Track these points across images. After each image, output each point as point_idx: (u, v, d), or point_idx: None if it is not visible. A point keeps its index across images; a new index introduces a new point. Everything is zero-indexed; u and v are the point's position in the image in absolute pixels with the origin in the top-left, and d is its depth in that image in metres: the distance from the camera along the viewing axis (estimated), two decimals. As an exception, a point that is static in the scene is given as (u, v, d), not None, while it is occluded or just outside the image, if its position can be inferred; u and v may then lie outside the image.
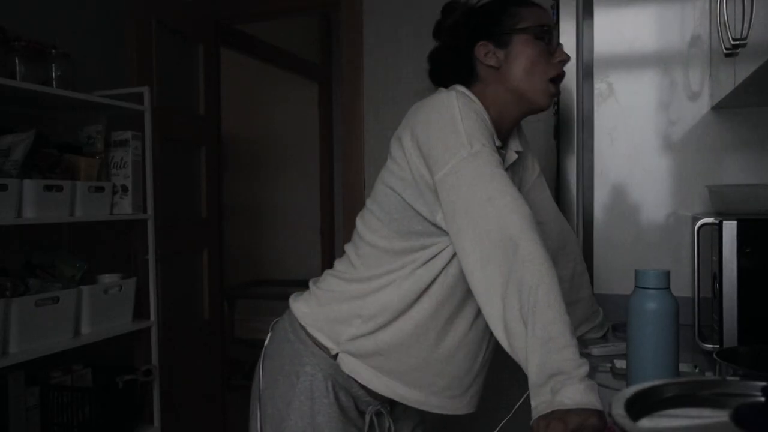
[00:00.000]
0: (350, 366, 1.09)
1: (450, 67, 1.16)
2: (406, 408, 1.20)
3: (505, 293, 0.88)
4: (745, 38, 1.09)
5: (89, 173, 2.05)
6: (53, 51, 1.96)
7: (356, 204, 2.58)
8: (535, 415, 0.82)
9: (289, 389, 1.11)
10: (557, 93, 1.14)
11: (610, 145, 1.63)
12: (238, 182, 4.58)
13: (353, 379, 1.10)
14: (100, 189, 2.06)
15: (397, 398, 1.10)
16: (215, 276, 2.99)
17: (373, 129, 2.53)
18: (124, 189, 2.15)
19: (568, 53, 1.13)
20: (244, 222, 4.63)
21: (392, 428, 1.19)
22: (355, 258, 1.13)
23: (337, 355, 1.09)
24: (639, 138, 1.61)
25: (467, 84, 1.14)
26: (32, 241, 2.05)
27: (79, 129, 2.14)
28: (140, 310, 2.25)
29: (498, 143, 1.07)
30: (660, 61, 1.59)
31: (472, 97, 1.08)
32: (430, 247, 1.05)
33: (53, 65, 1.96)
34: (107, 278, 2.16)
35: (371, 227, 1.11)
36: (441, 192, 0.98)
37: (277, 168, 4.65)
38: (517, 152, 1.19)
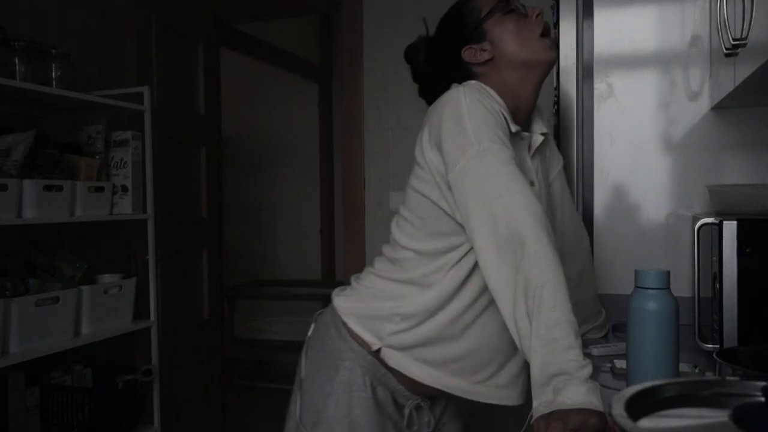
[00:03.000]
0: (395, 359, 1.11)
1: (448, 84, 1.15)
2: (448, 404, 1.23)
3: (515, 292, 0.89)
4: (745, 38, 1.09)
5: (89, 173, 2.05)
6: (53, 51, 1.96)
7: (356, 204, 2.58)
8: (536, 414, 0.82)
9: (327, 381, 1.13)
10: (553, 42, 1.16)
11: (610, 145, 1.63)
12: (238, 182, 4.57)
13: (393, 373, 1.12)
14: (100, 189, 2.06)
15: (442, 387, 1.12)
16: (215, 276, 2.99)
17: (373, 129, 2.53)
18: (124, 189, 2.15)
19: (536, 6, 1.16)
20: (244, 222, 4.63)
21: (432, 422, 1.21)
22: (393, 260, 1.16)
23: (379, 350, 1.12)
24: (639, 138, 1.61)
25: (470, 76, 1.15)
26: (32, 241, 2.05)
27: (79, 129, 2.14)
28: (140, 310, 2.25)
29: (515, 129, 1.09)
30: (660, 61, 1.59)
31: (485, 88, 1.09)
32: (459, 246, 1.07)
33: (53, 65, 1.96)
34: (107, 278, 2.16)
35: (406, 232, 1.14)
36: (454, 191, 1.00)
37: (277, 168, 4.65)
38: (543, 134, 1.20)
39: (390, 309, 1.12)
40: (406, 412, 1.16)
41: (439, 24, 1.21)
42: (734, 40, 1.12)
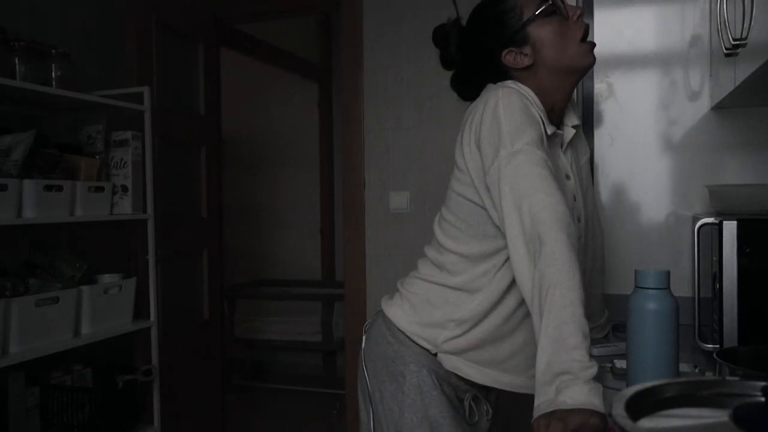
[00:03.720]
0: (451, 363, 1.14)
1: (483, 82, 1.16)
2: (500, 392, 1.25)
3: (532, 291, 0.92)
4: (745, 38, 1.09)
5: (89, 173, 2.05)
6: (53, 51, 1.96)
7: (356, 204, 2.58)
8: (536, 413, 0.82)
9: (397, 389, 1.15)
10: (593, 46, 1.15)
11: (610, 145, 1.63)
12: (238, 182, 4.57)
13: (454, 372, 1.15)
14: (100, 189, 2.06)
15: (500, 386, 1.15)
16: (215, 276, 2.99)
17: (373, 129, 2.53)
18: (124, 189, 2.15)
19: (578, 6, 1.15)
20: (244, 222, 4.62)
21: (490, 411, 1.24)
22: (439, 263, 1.18)
23: (436, 354, 1.14)
24: (639, 138, 1.61)
25: (510, 77, 1.15)
26: (32, 241, 2.05)
27: (79, 129, 2.14)
28: (140, 310, 2.25)
29: (551, 130, 1.10)
30: (660, 61, 1.59)
31: (521, 87, 1.10)
32: (503, 249, 1.08)
33: (53, 65, 1.96)
34: (107, 278, 2.16)
35: (449, 234, 1.16)
36: (491, 191, 1.03)
37: (277, 168, 4.64)
38: (574, 127, 1.21)
39: (443, 316, 1.14)
40: (466, 404, 1.19)
41: (475, 17, 1.19)
42: (734, 40, 1.12)
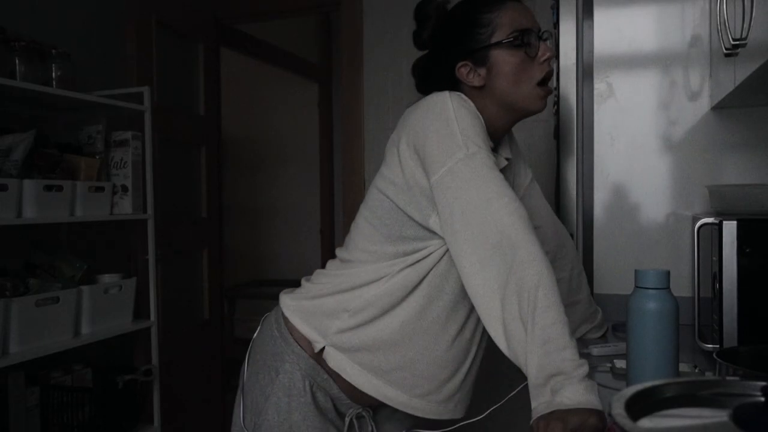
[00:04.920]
0: (336, 361, 1.08)
1: (435, 82, 1.13)
2: (392, 415, 1.19)
3: (504, 295, 0.88)
4: (745, 38, 1.09)
5: (89, 173, 2.05)
6: (53, 51, 1.96)
7: (356, 204, 2.56)
8: (534, 415, 0.82)
9: (268, 384, 1.11)
10: (549, 93, 1.11)
11: (610, 145, 1.63)
12: (238, 182, 4.58)
13: (334, 378, 1.10)
14: (100, 189, 2.06)
15: (380, 398, 1.09)
16: (215, 276, 2.99)
17: (373, 129, 2.53)
18: (124, 189, 2.15)
19: (550, 48, 1.09)
20: (244, 222, 4.63)
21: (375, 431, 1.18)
22: (345, 259, 1.14)
23: (322, 350, 1.09)
24: (639, 138, 1.61)
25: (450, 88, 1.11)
26: (32, 241, 2.05)
27: (79, 129, 2.14)
28: (140, 310, 2.25)
29: (491, 145, 1.06)
30: (660, 61, 1.59)
31: (467, 101, 1.06)
32: (420, 250, 1.05)
33: (53, 65, 1.96)
34: (107, 278, 2.16)
35: (363, 232, 1.11)
36: (437, 194, 0.98)
37: (277, 168, 4.65)
38: (507, 159, 1.17)
39: (337, 304, 1.09)
40: (347, 420, 1.13)
41: (452, 14, 1.14)
42: (734, 40, 1.12)
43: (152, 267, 2.24)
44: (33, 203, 1.80)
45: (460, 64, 1.10)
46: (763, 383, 0.60)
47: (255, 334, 1.22)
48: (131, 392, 2.10)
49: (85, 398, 1.96)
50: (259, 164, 4.68)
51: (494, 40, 1.07)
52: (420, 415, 1.10)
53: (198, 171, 2.90)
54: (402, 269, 1.06)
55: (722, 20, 1.19)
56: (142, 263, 2.28)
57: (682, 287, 1.48)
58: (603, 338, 1.45)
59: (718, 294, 1.20)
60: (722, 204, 1.35)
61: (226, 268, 3.33)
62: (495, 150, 1.14)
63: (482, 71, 1.09)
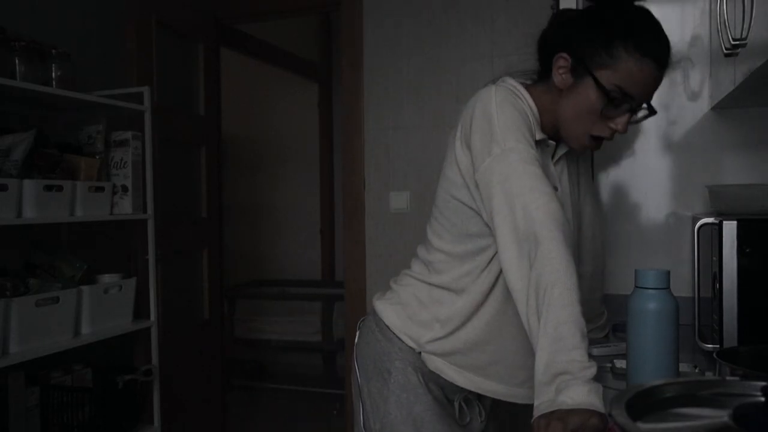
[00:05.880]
0: (434, 364, 1.14)
1: (541, 53, 1.14)
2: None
3: (527, 290, 0.90)
4: (745, 38, 1.09)
5: (89, 173, 2.05)
6: (53, 51, 1.96)
7: (356, 204, 2.58)
8: (536, 413, 0.82)
9: (383, 385, 1.16)
10: (594, 147, 1.11)
11: (611, 145, 1.63)
12: (238, 182, 4.57)
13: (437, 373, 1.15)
14: (100, 189, 2.06)
15: (482, 392, 1.15)
16: (215, 276, 2.99)
17: (373, 129, 2.53)
18: (124, 189, 2.15)
19: (628, 125, 1.07)
20: (244, 222, 4.62)
21: (483, 413, 1.23)
22: (427, 262, 1.18)
23: (420, 353, 1.15)
24: (639, 138, 1.61)
25: (543, 79, 1.13)
26: (32, 241, 2.05)
27: (79, 129, 2.14)
28: (140, 310, 2.25)
29: (540, 137, 1.08)
30: (660, 61, 1.58)
31: (519, 90, 1.08)
32: (487, 249, 1.09)
33: (53, 65, 1.96)
34: (107, 278, 2.16)
35: (436, 232, 1.16)
36: (480, 189, 1.01)
37: (277, 168, 4.64)
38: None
39: (429, 315, 1.15)
40: (456, 405, 1.18)
41: (606, 15, 1.06)
42: (734, 40, 1.12)
43: (152, 267, 2.24)
44: (33, 203, 1.79)
45: (561, 54, 1.06)
46: (763, 383, 0.60)
47: (356, 339, 1.26)
48: (131, 392, 2.10)
49: (85, 398, 1.96)
50: (259, 164, 4.67)
51: (599, 73, 1.03)
52: (521, 402, 1.15)
53: (198, 171, 2.90)
54: (479, 274, 1.10)
55: (722, 20, 1.18)
56: (142, 263, 2.28)
57: (682, 287, 1.48)
58: (604, 338, 1.45)
59: (718, 294, 1.20)
60: (722, 204, 1.35)
61: (226, 268, 3.32)
62: (558, 137, 1.13)
63: (569, 79, 1.07)
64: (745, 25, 1.07)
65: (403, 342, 1.16)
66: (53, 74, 1.96)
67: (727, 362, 0.96)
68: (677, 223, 1.58)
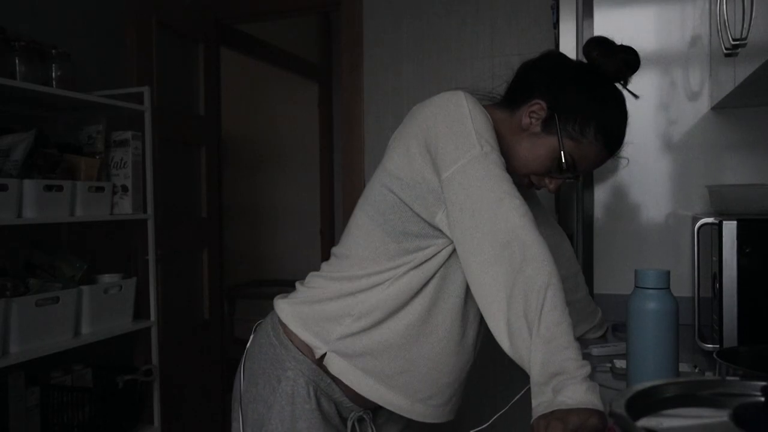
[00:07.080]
0: (338, 367, 1.07)
1: (516, 83, 1.14)
2: (390, 416, 1.18)
3: (510, 293, 0.88)
4: (745, 38, 1.09)
5: (89, 173, 2.05)
6: (53, 51, 1.96)
7: (356, 204, 2.58)
8: (535, 414, 0.82)
9: (270, 393, 1.08)
10: (525, 185, 1.12)
11: (610, 145, 1.63)
12: (238, 182, 4.58)
13: (337, 383, 1.08)
14: (100, 189, 2.06)
15: (382, 403, 1.08)
16: (215, 276, 2.99)
17: (373, 129, 2.53)
18: (124, 189, 2.15)
19: (558, 186, 1.11)
20: (244, 222, 4.63)
21: None
22: (344, 258, 1.11)
23: (323, 356, 1.07)
24: (639, 138, 1.61)
25: (507, 106, 1.12)
26: (32, 241, 2.05)
27: (79, 129, 2.14)
28: (140, 310, 2.25)
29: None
30: (660, 61, 1.59)
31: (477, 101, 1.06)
32: (425, 249, 1.04)
33: (53, 65, 1.96)
34: (107, 278, 2.16)
35: (363, 227, 1.09)
36: (447, 191, 0.97)
37: (277, 168, 4.65)
38: None
39: (340, 309, 1.07)
40: (349, 424, 1.12)
41: (583, 79, 1.11)
42: (734, 40, 1.12)
43: (152, 267, 2.24)
44: (33, 203, 1.80)
45: (537, 102, 1.08)
46: (763, 383, 0.60)
47: (249, 343, 1.18)
48: (131, 392, 2.10)
49: (85, 398, 1.96)
50: (259, 164, 4.68)
51: (565, 140, 1.07)
52: (419, 419, 1.10)
53: (198, 171, 2.91)
54: (407, 271, 1.04)
55: (722, 20, 1.18)
56: (142, 263, 2.28)
57: (682, 287, 1.48)
58: (603, 338, 1.45)
59: (718, 294, 1.20)
60: (722, 204, 1.35)
61: (226, 268, 3.33)
62: None
63: (537, 127, 1.08)
64: (745, 25, 1.07)
65: (298, 350, 1.08)
66: (53, 74, 1.96)
67: (727, 362, 0.96)
68: (677, 223, 1.58)
